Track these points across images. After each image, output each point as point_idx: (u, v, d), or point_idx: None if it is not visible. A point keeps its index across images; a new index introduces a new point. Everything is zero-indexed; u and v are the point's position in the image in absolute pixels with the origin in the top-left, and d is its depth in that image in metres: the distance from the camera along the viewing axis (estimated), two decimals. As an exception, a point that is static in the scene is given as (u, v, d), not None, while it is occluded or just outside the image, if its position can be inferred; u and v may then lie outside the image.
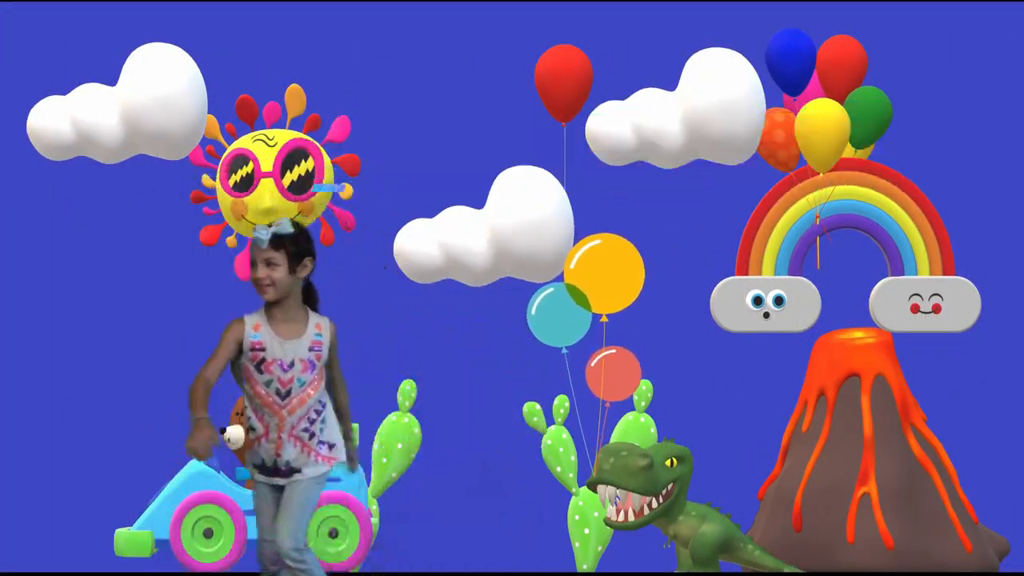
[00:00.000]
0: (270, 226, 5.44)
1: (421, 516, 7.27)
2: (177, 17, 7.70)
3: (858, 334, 6.58)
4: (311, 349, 5.41)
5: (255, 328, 5.39)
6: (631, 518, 5.84)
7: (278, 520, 5.34)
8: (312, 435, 5.41)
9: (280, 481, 5.40)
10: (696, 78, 6.08)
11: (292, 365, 5.37)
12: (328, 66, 7.54)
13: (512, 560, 6.94)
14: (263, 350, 5.37)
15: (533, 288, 6.42)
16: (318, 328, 5.46)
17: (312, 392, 5.40)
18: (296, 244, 5.43)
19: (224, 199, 6.30)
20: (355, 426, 6.85)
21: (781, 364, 7.01)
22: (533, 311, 6.46)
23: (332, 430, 5.49)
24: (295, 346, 5.39)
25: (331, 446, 5.47)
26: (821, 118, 6.44)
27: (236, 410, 6.91)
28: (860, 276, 6.90)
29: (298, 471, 5.38)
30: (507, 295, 6.63)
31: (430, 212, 6.37)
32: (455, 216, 6.29)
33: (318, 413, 5.43)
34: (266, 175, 6.21)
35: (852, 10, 7.59)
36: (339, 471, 5.71)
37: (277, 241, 5.40)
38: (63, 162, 6.21)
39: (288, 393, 5.36)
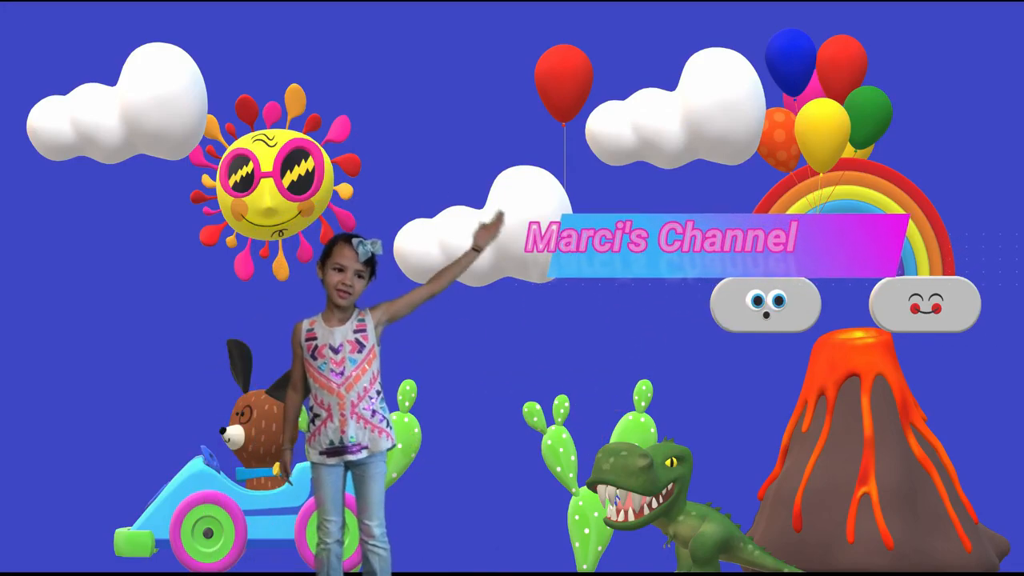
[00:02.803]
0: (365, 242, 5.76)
1: (421, 516, 7.27)
2: (177, 17, 7.70)
3: (858, 334, 6.59)
4: (356, 331, 5.70)
5: (311, 324, 5.73)
6: (631, 518, 5.84)
7: (368, 510, 5.71)
8: (374, 412, 5.71)
9: (349, 458, 5.69)
10: (696, 78, 6.07)
11: (341, 347, 5.67)
12: (328, 66, 7.54)
13: (512, 560, 6.94)
14: (315, 339, 5.69)
15: (533, 288, 6.42)
16: (361, 315, 5.75)
17: (366, 368, 5.71)
18: (375, 266, 5.78)
19: (224, 199, 6.31)
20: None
21: (781, 364, 7.01)
22: None
23: (387, 411, 5.80)
24: (342, 331, 5.69)
25: (390, 424, 5.79)
26: (821, 118, 6.44)
27: (236, 410, 6.91)
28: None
29: (365, 447, 5.68)
30: (507, 295, 6.63)
31: (430, 212, 6.36)
32: (455, 216, 6.29)
33: (378, 393, 5.75)
34: (266, 175, 6.21)
35: (852, 10, 7.59)
36: None
37: (371, 259, 5.74)
38: (63, 162, 6.22)
39: (343, 372, 5.66)
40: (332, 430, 5.67)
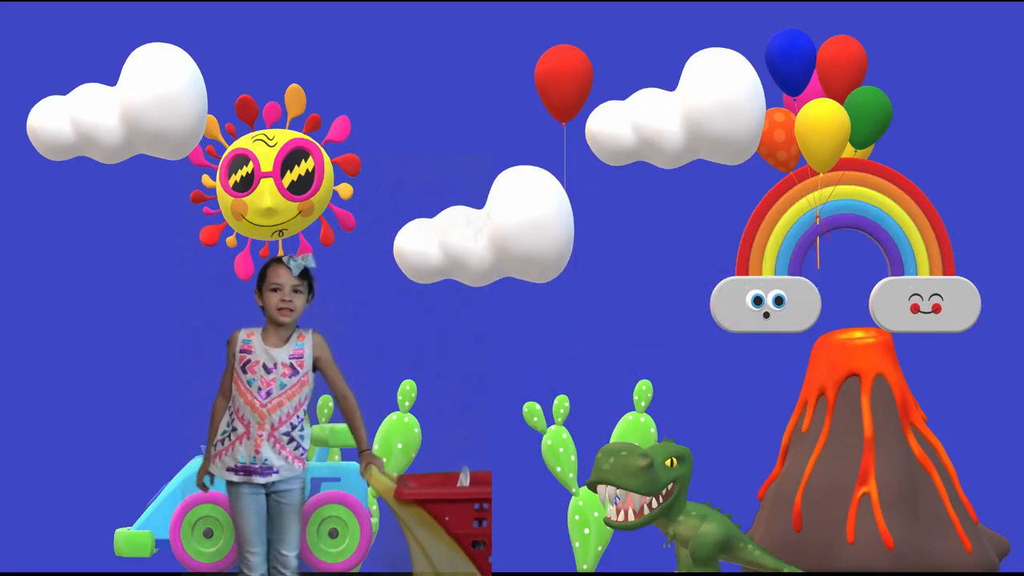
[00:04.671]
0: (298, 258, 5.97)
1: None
2: (177, 17, 7.70)
3: (858, 334, 6.58)
4: (292, 356, 5.87)
5: (248, 335, 5.93)
6: (631, 518, 5.84)
7: (286, 539, 5.88)
8: (291, 440, 5.88)
9: (258, 480, 5.81)
10: (696, 78, 6.07)
11: (275, 367, 5.83)
12: (328, 66, 7.54)
13: (512, 560, 6.94)
14: (250, 352, 5.87)
15: (533, 288, 6.41)
16: (300, 338, 5.92)
17: (293, 394, 5.85)
18: (312, 280, 6.00)
19: (224, 199, 6.30)
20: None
21: (781, 364, 7.01)
22: None
23: (307, 439, 5.99)
24: (279, 352, 5.87)
25: (305, 452, 5.98)
26: (821, 118, 6.44)
27: (236, 410, 6.91)
28: (860, 276, 6.90)
29: (275, 471, 5.82)
30: (507, 295, 6.63)
31: (430, 212, 6.36)
32: (455, 216, 6.28)
33: (299, 420, 5.90)
34: (266, 175, 6.21)
35: (852, 10, 7.59)
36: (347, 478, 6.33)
37: (305, 272, 5.95)
38: (63, 162, 6.21)
39: (269, 393, 5.81)
40: (246, 448, 5.78)
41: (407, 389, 6.85)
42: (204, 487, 5.98)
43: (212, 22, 7.69)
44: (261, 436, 5.80)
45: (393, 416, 6.81)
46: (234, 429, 5.85)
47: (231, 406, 5.93)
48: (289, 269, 5.93)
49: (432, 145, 7.64)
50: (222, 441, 5.88)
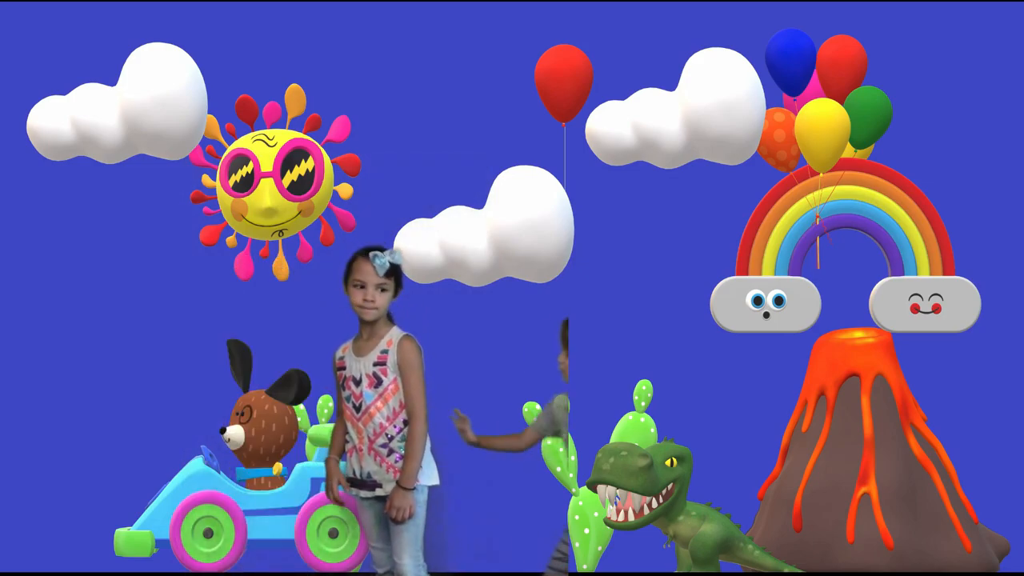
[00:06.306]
0: (381, 252, 5.78)
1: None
2: (177, 17, 7.70)
3: (858, 334, 6.59)
4: (376, 364, 5.69)
5: (343, 350, 5.79)
6: (631, 518, 5.84)
7: (392, 541, 5.69)
8: (391, 452, 5.69)
9: (364, 493, 5.71)
10: (696, 78, 6.07)
11: (360, 381, 5.68)
12: (328, 66, 7.53)
13: (512, 560, 6.94)
14: (344, 368, 5.75)
15: (533, 288, 6.41)
16: (388, 344, 5.73)
17: (380, 406, 5.68)
18: (400, 274, 5.83)
19: (224, 199, 6.31)
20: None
21: (781, 364, 7.01)
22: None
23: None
24: (364, 362, 5.70)
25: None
26: (821, 118, 6.44)
27: (236, 410, 6.91)
28: (860, 276, 6.90)
29: (379, 485, 5.68)
30: (507, 295, 6.63)
31: (430, 212, 6.36)
32: (455, 216, 6.28)
33: (398, 430, 5.70)
34: (266, 175, 6.21)
35: (852, 10, 7.58)
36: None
37: (391, 270, 5.76)
38: (63, 162, 6.21)
39: (359, 407, 5.67)
40: (354, 461, 5.69)
41: (407, 389, 6.84)
42: (336, 499, 5.82)
43: (212, 22, 7.69)
44: (362, 450, 5.67)
45: (393, 416, 6.81)
46: (348, 440, 5.74)
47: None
48: (374, 266, 5.74)
49: (432, 145, 7.64)
50: (347, 451, 5.79)
